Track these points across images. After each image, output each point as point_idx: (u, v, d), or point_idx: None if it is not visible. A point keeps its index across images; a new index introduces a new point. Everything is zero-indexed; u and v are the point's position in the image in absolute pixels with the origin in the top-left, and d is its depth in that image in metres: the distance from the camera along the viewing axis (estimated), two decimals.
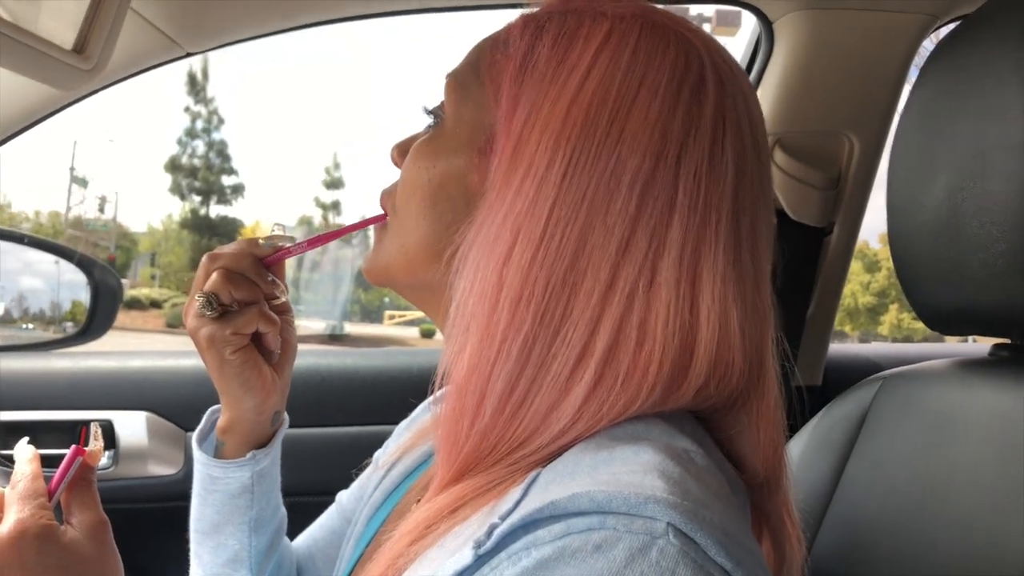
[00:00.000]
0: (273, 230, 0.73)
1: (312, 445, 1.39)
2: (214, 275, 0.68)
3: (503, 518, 0.42)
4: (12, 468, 0.60)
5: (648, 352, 0.47)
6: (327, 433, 1.42)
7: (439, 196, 0.58)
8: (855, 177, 1.26)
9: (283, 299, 0.74)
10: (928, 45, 1.24)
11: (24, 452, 0.63)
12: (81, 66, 0.88)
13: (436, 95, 0.63)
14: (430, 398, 0.84)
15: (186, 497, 1.39)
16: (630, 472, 0.42)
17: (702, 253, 0.49)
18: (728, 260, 0.50)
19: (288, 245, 0.71)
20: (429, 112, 0.62)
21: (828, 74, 1.22)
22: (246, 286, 0.69)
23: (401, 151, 0.65)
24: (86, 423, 1.36)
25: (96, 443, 0.64)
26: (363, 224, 0.71)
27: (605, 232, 0.48)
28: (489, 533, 0.41)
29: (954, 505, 0.74)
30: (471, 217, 0.54)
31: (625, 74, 0.50)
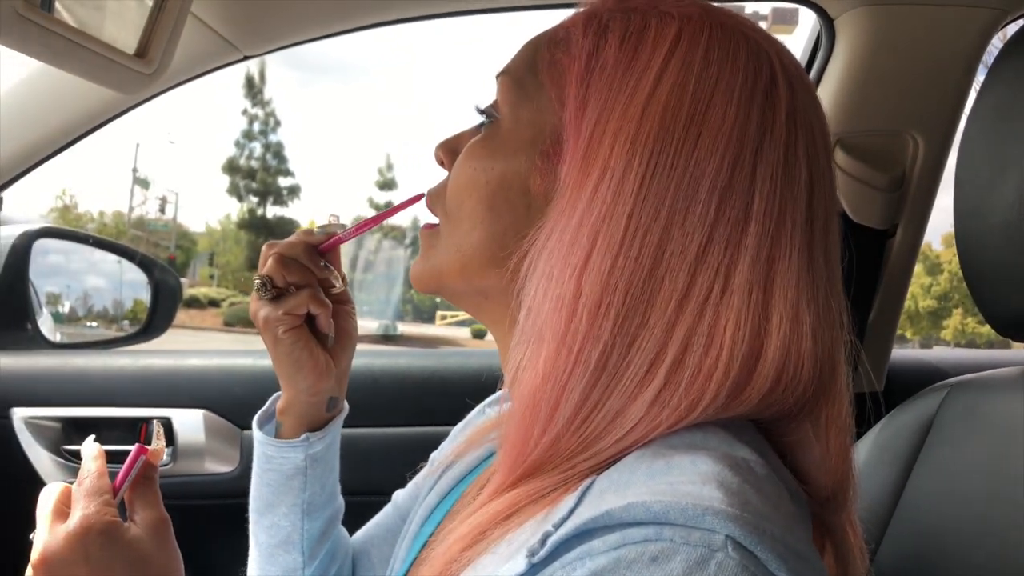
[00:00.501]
0: (329, 220, 0.77)
1: (365, 445, 1.40)
2: (270, 260, 0.73)
3: (557, 526, 0.41)
4: (77, 463, 0.62)
5: (715, 357, 0.47)
6: (379, 433, 1.42)
7: (498, 198, 0.56)
8: (920, 178, 1.23)
9: (339, 287, 0.77)
10: (997, 42, 1.20)
11: (90, 449, 0.65)
12: (143, 70, 0.90)
13: (486, 94, 0.62)
14: (485, 401, 0.85)
15: (242, 494, 1.41)
16: (688, 482, 0.41)
17: (776, 258, 0.49)
18: (803, 265, 0.49)
19: (340, 232, 0.75)
20: (482, 111, 0.61)
21: (891, 72, 1.19)
22: (298, 270, 0.73)
23: (448, 151, 0.64)
24: (146, 420, 1.39)
25: (158, 442, 0.66)
26: (404, 206, 0.73)
27: (683, 239, 0.47)
28: (543, 541, 0.40)
29: (1022, 519, 0.71)
30: (533, 221, 0.53)
31: (699, 77, 0.50)
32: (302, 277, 0.73)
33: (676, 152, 0.48)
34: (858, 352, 0.57)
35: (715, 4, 0.55)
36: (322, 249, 0.75)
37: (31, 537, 0.61)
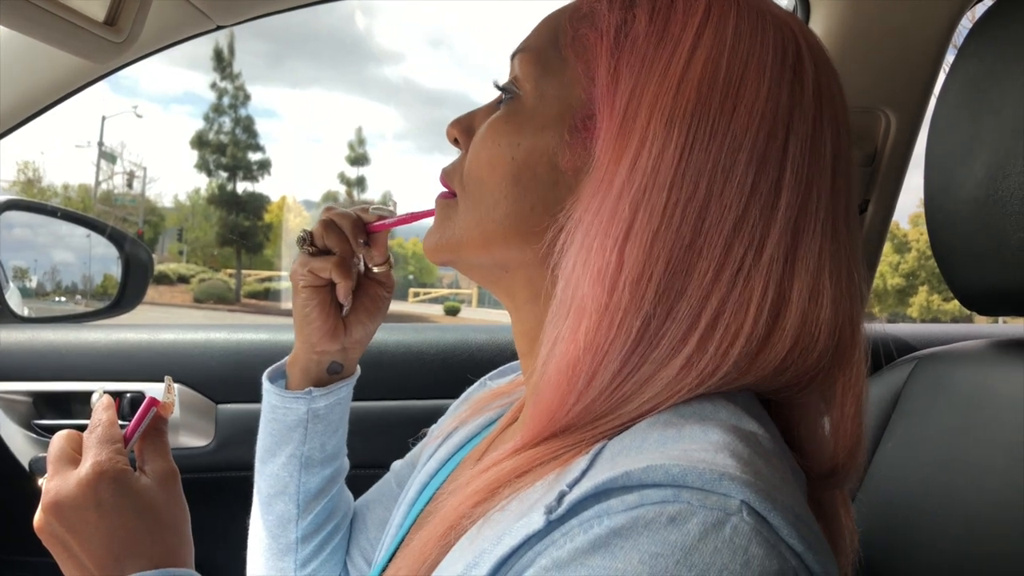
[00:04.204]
0: (388, 203, 0.80)
1: (364, 417, 1.39)
2: (318, 221, 0.79)
3: (571, 486, 0.42)
4: (49, 437, 0.62)
5: (739, 325, 0.48)
6: (377, 406, 1.42)
7: (524, 175, 0.56)
8: (891, 155, 1.24)
9: (381, 268, 0.82)
10: (966, 23, 1.21)
11: (102, 400, 0.66)
12: (113, 39, 0.89)
13: (502, 71, 0.61)
14: (486, 375, 0.87)
15: (217, 468, 1.41)
16: (701, 449, 0.42)
17: (802, 230, 0.50)
18: (825, 236, 0.50)
19: (389, 218, 0.78)
20: (501, 88, 0.60)
21: (865, 50, 1.19)
22: (336, 237, 0.78)
23: (463, 129, 0.64)
24: (119, 394, 1.38)
25: (169, 395, 0.67)
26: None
27: (721, 210, 0.48)
28: (559, 500, 0.41)
29: (988, 486, 0.73)
30: (562, 196, 0.54)
31: (732, 51, 0.50)
32: (337, 244, 0.78)
33: (714, 125, 0.49)
34: None
35: None
36: (370, 229, 0.79)
37: (40, 483, 0.62)
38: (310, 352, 0.81)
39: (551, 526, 0.41)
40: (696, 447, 0.42)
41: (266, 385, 0.84)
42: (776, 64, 0.50)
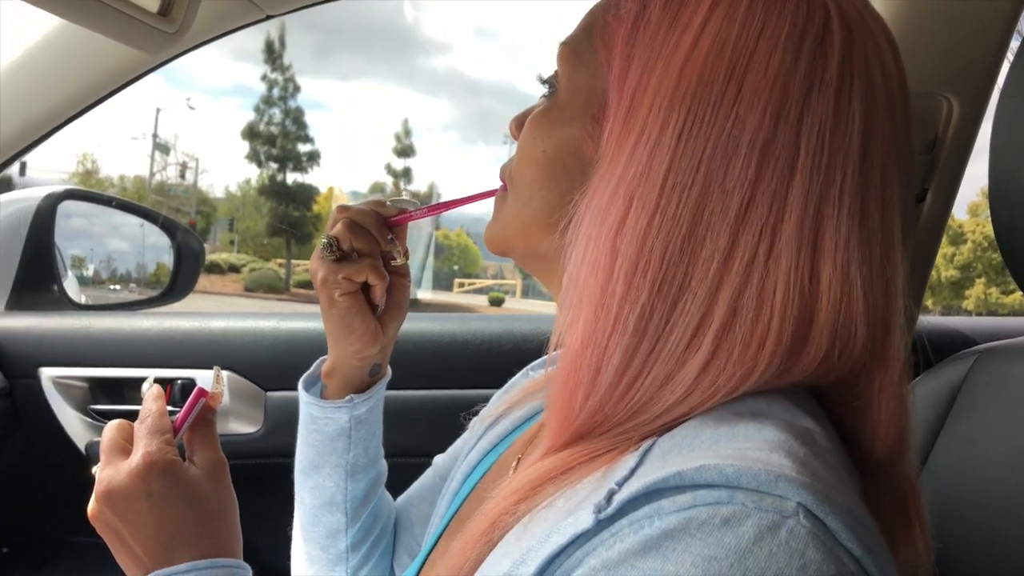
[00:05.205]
0: (403, 195, 0.79)
1: (407, 407, 1.40)
2: (339, 223, 0.75)
3: (620, 484, 0.41)
4: (104, 422, 0.63)
5: (765, 323, 0.45)
6: (422, 396, 1.42)
7: (554, 166, 0.57)
8: (953, 141, 1.20)
9: (401, 261, 0.78)
10: None
11: (152, 391, 0.67)
12: (166, 29, 0.90)
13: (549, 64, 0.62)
14: (529, 365, 0.86)
15: (265, 455, 1.43)
16: (756, 448, 0.40)
17: (825, 216, 0.46)
18: (853, 223, 0.46)
19: (411, 210, 0.76)
20: (544, 82, 0.61)
21: (926, 32, 1.16)
22: (365, 238, 0.75)
23: (519, 123, 0.64)
24: (171, 381, 1.40)
25: (218, 386, 0.68)
26: (480, 196, 0.72)
27: (723, 197, 0.45)
28: (609, 499, 0.40)
29: None
30: (584, 186, 0.52)
31: (742, 27, 0.47)
32: (367, 245, 0.75)
33: (716, 105, 0.46)
34: None
35: None
36: (391, 223, 0.77)
37: (93, 471, 0.63)
38: (351, 360, 0.79)
39: (600, 525, 0.40)
40: (750, 446, 0.41)
41: (304, 396, 0.82)
42: (793, 38, 0.47)
